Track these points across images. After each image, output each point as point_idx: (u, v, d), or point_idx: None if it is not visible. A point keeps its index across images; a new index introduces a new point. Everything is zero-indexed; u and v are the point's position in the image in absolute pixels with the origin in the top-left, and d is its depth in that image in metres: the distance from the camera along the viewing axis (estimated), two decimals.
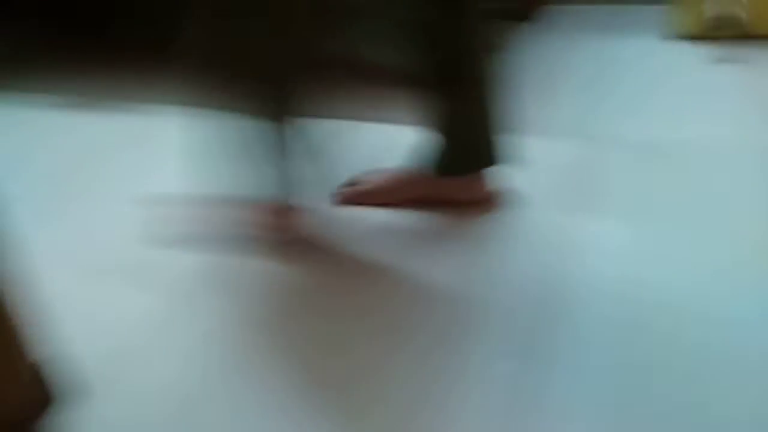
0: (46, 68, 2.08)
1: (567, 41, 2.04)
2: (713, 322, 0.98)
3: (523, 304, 1.05)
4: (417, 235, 1.23)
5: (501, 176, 1.31)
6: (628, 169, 1.37)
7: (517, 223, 1.25)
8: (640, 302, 1.03)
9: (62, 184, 1.47)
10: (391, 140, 1.50)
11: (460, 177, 1.28)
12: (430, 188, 1.30)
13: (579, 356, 0.94)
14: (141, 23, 2.29)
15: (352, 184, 1.34)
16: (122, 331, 1.04)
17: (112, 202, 1.39)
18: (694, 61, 1.82)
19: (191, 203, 1.28)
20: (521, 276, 1.11)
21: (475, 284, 1.10)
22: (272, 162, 1.21)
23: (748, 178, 1.31)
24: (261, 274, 1.16)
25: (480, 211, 1.28)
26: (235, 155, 1.18)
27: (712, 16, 1.79)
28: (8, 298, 0.80)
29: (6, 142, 1.67)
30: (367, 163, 1.41)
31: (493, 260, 1.15)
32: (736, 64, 1.78)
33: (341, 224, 1.28)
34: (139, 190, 1.40)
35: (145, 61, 2.01)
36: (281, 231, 1.24)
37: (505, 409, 0.87)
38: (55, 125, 1.73)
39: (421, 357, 0.96)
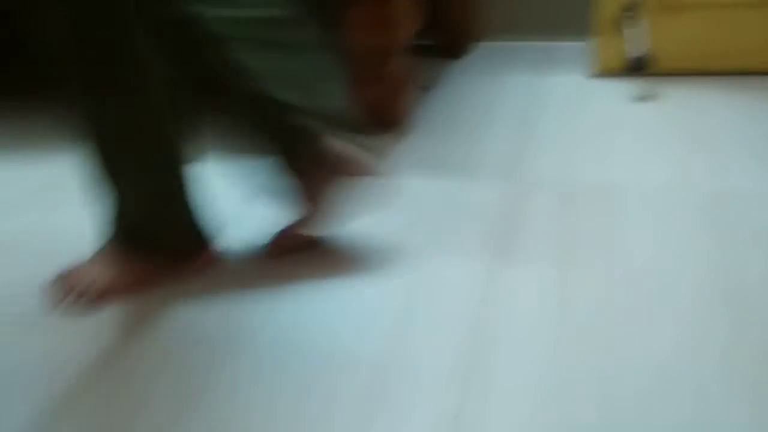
0: None
1: (493, 78, 2.04)
2: (638, 389, 0.96)
3: (429, 360, 1.00)
4: (294, 284, 1.19)
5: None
6: (551, 213, 1.35)
7: (426, 269, 1.21)
8: (558, 363, 1.00)
9: None
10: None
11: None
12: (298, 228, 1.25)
13: (487, 416, 0.90)
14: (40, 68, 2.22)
15: (279, 233, 1.30)
16: None
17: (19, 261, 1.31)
18: (616, 99, 1.83)
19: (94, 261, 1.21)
20: (429, 329, 1.07)
21: (370, 341, 1.05)
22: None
23: (676, 219, 1.30)
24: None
25: (382, 256, 1.25)
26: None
27: (629, 54, 1.83)
28: None
29: None
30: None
31: (392, 314, 1.10)
32: (656, 100, 1.81)
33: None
34: (46, 248, 1.33)
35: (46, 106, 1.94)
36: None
37: None
38: None
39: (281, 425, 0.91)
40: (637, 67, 1.84)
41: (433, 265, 1.21)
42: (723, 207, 1.33)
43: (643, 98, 1.82)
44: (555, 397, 0.92)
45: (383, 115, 1.74)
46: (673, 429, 0.86)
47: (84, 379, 0.99)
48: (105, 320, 1.12)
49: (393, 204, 1.40)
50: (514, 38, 2.39)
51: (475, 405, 0.91)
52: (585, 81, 1.97)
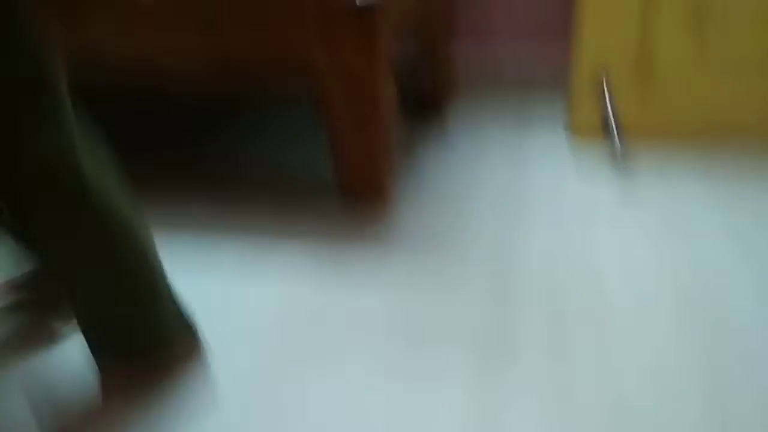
0: None
1: (474, 138, 2.03)
2: None
3: None
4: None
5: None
6: (538, 314, 1.34)
7: (408, 387, 1.20)
8: None
9: None
10: None
11: None
12: None
13: None
14: None
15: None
16: None
17: None
18: (593, 168, 1.84)
19: None
20: None
21: None
22: None
23: (661, 320, 1.31)
24: None
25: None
26: None
27: (605, 118, 1.84)
28: None
29: None
30: None
31: None
32: (632, 167, 1.82)
33: None
34: None
35: None
36: None
37: None
38: None
39: None
40: (613, 132, 1.85)
41: (415, 384, 1.21)
42: (702, 294, 1.35)
43: (619, 164, 1.84)
44: None
45: (365, 187, 1.73)
46: None
47: None
48: None
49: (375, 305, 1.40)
50: (494, 92, 2.39)
51: None
52: (563, 143, 1.97)
